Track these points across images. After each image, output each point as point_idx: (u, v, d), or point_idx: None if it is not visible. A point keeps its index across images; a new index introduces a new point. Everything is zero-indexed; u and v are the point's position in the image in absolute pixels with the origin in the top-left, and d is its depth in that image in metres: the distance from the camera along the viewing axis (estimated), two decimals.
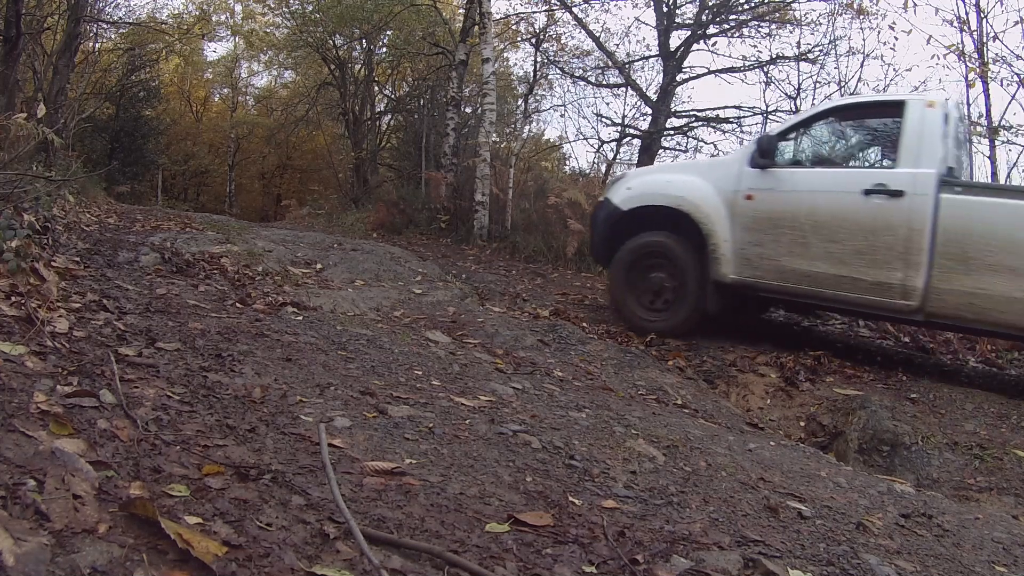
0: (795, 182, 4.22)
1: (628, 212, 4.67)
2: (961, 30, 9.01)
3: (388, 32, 15.52)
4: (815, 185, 4.16)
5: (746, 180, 4.32)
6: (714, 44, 11.70)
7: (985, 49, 8.80)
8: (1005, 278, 3.62)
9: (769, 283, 4.28)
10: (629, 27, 21.67)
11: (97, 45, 15.03)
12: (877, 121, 4.43)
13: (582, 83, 13.66)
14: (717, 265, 4.34)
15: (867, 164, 4.44)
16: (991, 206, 3.73)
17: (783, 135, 4.46)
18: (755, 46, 12.30)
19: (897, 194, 3.86)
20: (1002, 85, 8.79)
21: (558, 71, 13.82)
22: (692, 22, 11.69)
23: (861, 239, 3.95)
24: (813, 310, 4.79)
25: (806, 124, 4.54)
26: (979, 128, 8.76)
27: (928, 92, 4.58)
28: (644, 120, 12.77)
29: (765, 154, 4.26)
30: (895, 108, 4.14)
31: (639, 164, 12.23)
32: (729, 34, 11.65)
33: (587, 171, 12.35)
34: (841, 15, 11.16)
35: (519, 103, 15.69)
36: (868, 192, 3.94)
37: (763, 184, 4.26)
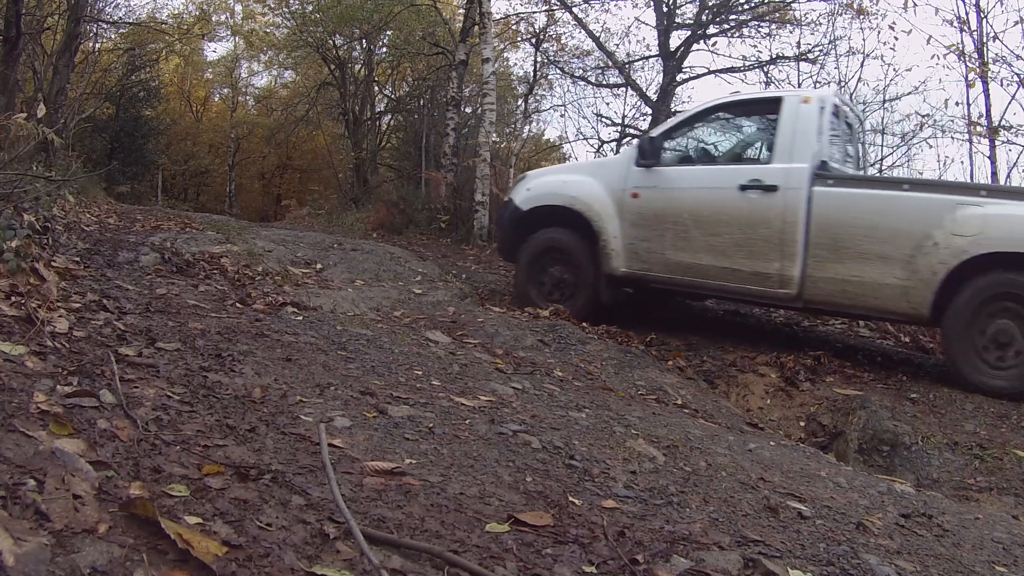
0: (677, 180, 4.43)
1: (528, 211, 4.94)
2: (961, 30, 9.01)
3: (388, 32, 15.53)
4: (695, 182, 4.37)
5: (632, 179, 4.53)
6: (714, 44, 11.72)
7: (985, 49, 8.80)
8: (875, 265, 3.83)
9: (657, 275, 4.52)
10: (629, 27, 21.68)
11: (97, 45, 15.04)
12: (757, 118, 4.60)
13: (582, 83, 13.69)
14: (608, 259, 4.60)
15: (745, 160, 4.61)
16: (860, 197, 3.93)
17: (666, 135, 4.65)
18: (755, 46, 12.31)
19: (771, 189, 4.06)
20: (1002, 85, 8.79)
21: (558, 71, 13.85)
22: (692, 22, 11.70)
23: (739, 232, 4.15)
24: (705, 298, 5.08)
25: (688, 123, 4.71)
26: (979, 128, 8.76)
27: (808, 89, 4.92)
28: (644, 120, 12.79)
29: (648, 154, 4.47)
30: (773, 104, 4.32)
31: None
32: (729, 34, 11.66)
33: None
34: (841, 15, 11.16)
35: (519, 103, 15.71)
36: (744, 187, 4.12)
37: (647, 183, 4.47)
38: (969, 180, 6.11)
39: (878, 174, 4.74)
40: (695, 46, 11.69)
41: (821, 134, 4.10)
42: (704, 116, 4.73)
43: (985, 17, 8.86)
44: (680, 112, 5.06)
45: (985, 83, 8.70)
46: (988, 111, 8.82)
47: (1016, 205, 3.68)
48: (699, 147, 4.80)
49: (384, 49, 16.61)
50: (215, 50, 33.79)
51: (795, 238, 3.99)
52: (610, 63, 12.72)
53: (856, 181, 4.21)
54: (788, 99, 4.25)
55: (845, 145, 4.53)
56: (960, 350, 3.76)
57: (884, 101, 11.44)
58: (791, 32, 11.96)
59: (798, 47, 11.37)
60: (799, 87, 11.74)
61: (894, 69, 17.75)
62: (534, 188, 5.05)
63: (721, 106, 4.72)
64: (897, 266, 3.79)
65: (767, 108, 4.43)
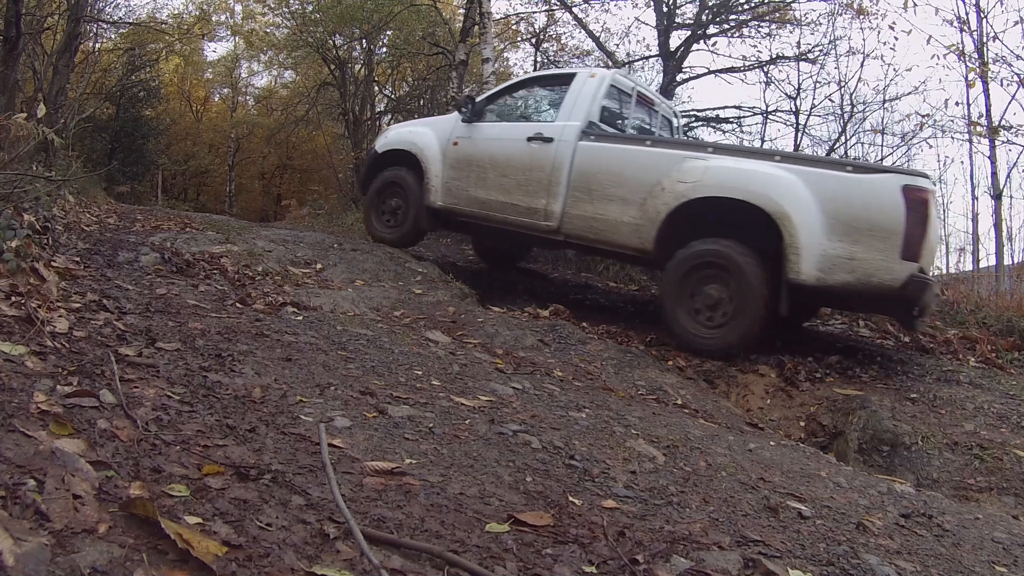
0: (486, 132, 5.36)
1: (381, 153, 5.96)
2: (961, 30, 9.03)
3: (388, 32, 15.52)
4: (497, 134, 5.29)
5: (456, 131, 5.48)
6: (714, 44, 11.72)
7: (985, 49, 8.81)
8: (616, 205, 4.54)
9: (463, 208, 5.38)
10: (629, 27, 21.73)
11: (97, 45, 15.05)
12: (557, 88, 5.34)
13: None
14: (428, 194, 5.55)
15: (538, 120, 5.40)
16: (612, 150, 4.68)
17: (488, 99, 5.60)
18: (755, 46, 12.33)
19: (548, 140, 4.92)
20: (1002, 85, 8.81)
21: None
22: (692, 22, 11.70)
23: (521, 174, 5.01)
24: (494, 232, 5.65)
25: (506, 91, 5.69)
26: (979, 128, 8.77)
27: (596, 68, 5.96)
28: None
29: (470, 112, 5.43)
30: (568, 78, 5.24)
31: None
32: (729, 34, 11.67)
33: None
34: (841, 15, 11.18)
35: None
36: (530, 139, 5.02)
37: (466, 134, 5.42)
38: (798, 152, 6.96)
39: (632, 133, 5.30)
40: (695, 46, 11.70)
41: (595, 102, 4.95)
42: (519, 86, 5.73)
43: (985, 17, 8.88)
44: (506, 83, 6.07)
45: (985, 83, 8.71)
46: (988, 111, 8.84)
47: (733, 160, 4.29)
48: (510, 109, 5.65)
49: (384, 49, 16.61)
50: (215, 50, 33.83)
51: (560, 180, 4.81)
52: (610, 63, 12.72)
53: (612, 137, 4.88)
54: (580, 74, 5.21)
55: (634, 113, 5.45)
56: (671, 290, 4.37)
57: (884, 101, 11.46)
58: (791, 32, 12.00)
59: (798, 47, 11.39)
60: (799, 87, 11.76)
61: (894, 69, 17.82)
62: (389, 135, 6.11)
63: (533, 79, 5.85)
64: (633, 207, 4.46)
65: (565, 81, 5.26)
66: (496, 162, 5.16)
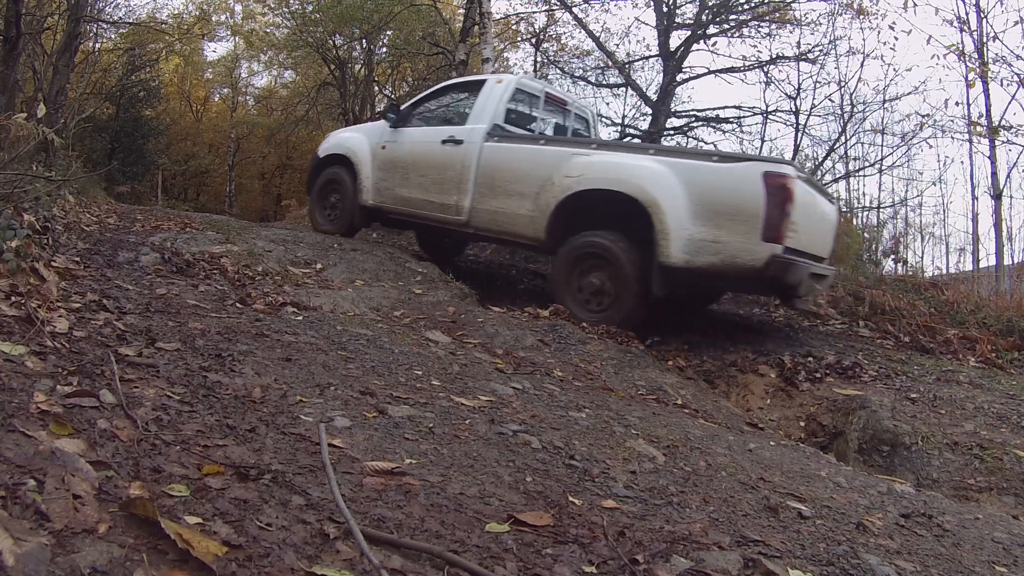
0: (408, 136, 5.84)
1: (323, 158, 6.52)
2: (961, 30, 9.03)
3: (388, 32, 15.52)
4: (417, 138, 5.76)
5: (385, 136, 5.98)
6: (714, 44, 11.71)
7: (985, 49, 8.82)
8: (514, 200, 4.96)
9: (390, 206, 5.87)
10: (629, 27, 21.69)
11: (97, 45, 15.05)
12: (470, 94, 5.75)
13: (582, 83, 13.66)
14: (361, 193, 6.04)
15: (452, 123, 5.75)
16: (512, 150, 5.11)
17: (412, 105, 6.08)
18: (755, 46, 12.31)
19: (459, 143, 5.36)
20: (1002, 85, 8.81)
21: (558, 71, 13.83)
22: (692, 22, 11.70)
23: (437, 174, 5.45)
24: (416, 226, 6.32)
25: (428, 98, 6.13)
26: (979, 128, 8.77)
27: (503, 75, 6.24)
28: (644, 120, 12.77)
29: (397, 118, 5.97)
30: (479, 84, 5.69)
31: None
32: (729, 34, 11.66)
33: None
34: (841, 15, 11.18)
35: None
36: (444, 142, 5.47)
37: (392, 138, 5.91)
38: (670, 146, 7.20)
39: (531, 133, 5.62)
40: (695, 46, 11.68)
41: (500, 105, 5.39)
42: (438, 93, 6.13)
43: (985, 17, 8.88)
44: (428, 89, 6.55)
45: (985, 83, 8.71)
46: (988, 111, 8.84)
47: (613, 155, 4.70)
48: (430, 114, 6.04)
49: (384, 49, 16.61)
50: (215, 50, 33.80)
51: (468, 178, 5.24)
52: (610, 63, 12.72)
53: (511, 138, 5.28)
54: (488, 80, 5.67)
55: (543, 114, 5.92)
56: (561, 275, 4.76)
57: (884, 101, 11.46)
58: (791, 32, 11.98)
59: (798, 47, 11.38)
60: (799, 87, 11.76)
61: (894, 69, 17.82)
62: (330, 141, 6.67)
63: (450, 86, 6.23)
64: (529, 200, 4.86)
65: (476, 87, 5.69)
66: (416, 163, 5.65)
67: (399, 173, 5.76)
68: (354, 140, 6.27)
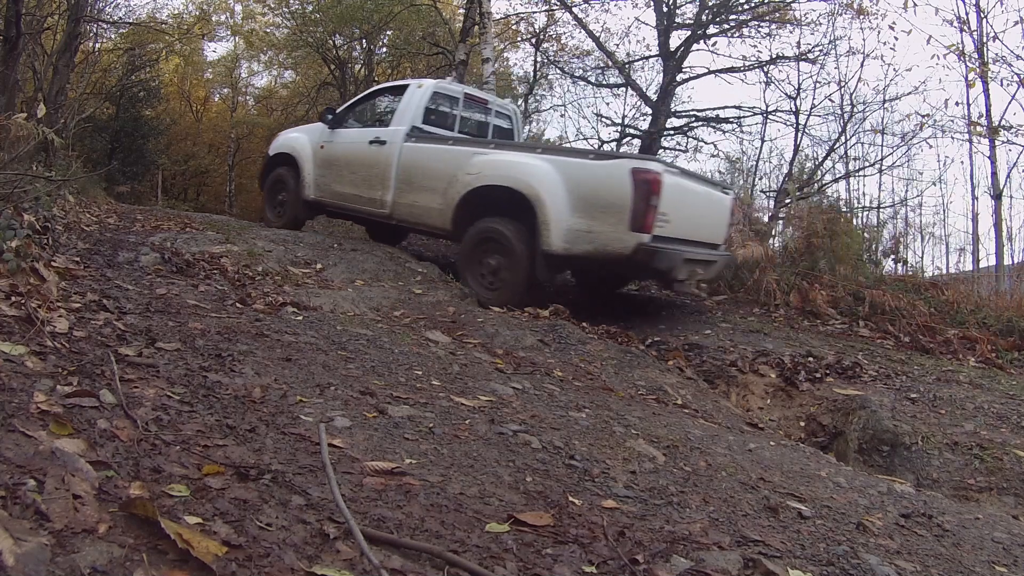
0: (342, 137, 6.36)
1: (272, 156, 7.09)
2: (961, 30, 9.04)
3: (388, 32, 15.51)
4: (349, 139, 6.27)
5: (323, 136, 6.49)
6: (714, 44, 11.70)
7: (985, 49, 8.82)
8: (427, 194, 5.45)
9: (328, 200, 6.40)
10: (629, 27, 21.67)
11: (97, 45, 15.04)
12: (395, 97, 6.28)
13: (582, 83, 13.67)
14: (303, 189, 6.53)
15: (379, 124, 6.34)
16: (422, 150, 5.64)
17: (347, 108, 6.64)
18: (755, 46, 12.30)
19: (383, 143, 5.86)
20: (1002, 85, 8.81)
21: (558, 71, 13.84)
22: (692, 22, 11.69)
23: (365, 171, 5.97)
24: (351, 218, 6.89)
25: (360, 101, 6.75)
26: (979, 128, 8.77)
27: (424, 79, 6.84)
28: (644, 120, 12.77)
29: (334, 120, 6.48)
30: (402, 88, 6.20)
31: None
32: (729, 34, 11.65)
33: None
34: (841, 15, 11.17)
35: (519, 103, 15.70)
36: (371, 142, 5.98)
37: (329, 139, 6.43)
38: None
39: (443, 134, 6.10)
40: (695, 46, 11.68)
41: (419, 108, 5.91)
42: (369, 97, 6.81)
43: (985, 17, 8.88)
44: (360, 94, 7.24)
45: (985, 83, 8.71)
46: (988, 111, 8.84)
47: (506, 154, 5.15)
48: (362, 116, 6.67)
49: (384, 49, 16.61)
50: (215, 50, 33.73)
51: (390, 175, 5.77)
52: (610, 63, 12.72)
53: (425, 138, 5.79)
54: (411, 85, 6.14)
55: (464, 114, 6.46)
56: (465, 262, 5.22)
57: (884, 101, 11.46)
58: (791, 32, 11.98)
59: (798, 47, 11.37)
60: (799, 87, 11.76)
61: (894, 69, 17.80)
62: (278, 140, 7.24)
63: (379, 90, 6.83)
64: (438, 195, 5.33)
65: (400, 91, 6.20)
66: (349, 161, 6.18)
67: (335, 170, 6.30)
68: (298, 140, 6.81)
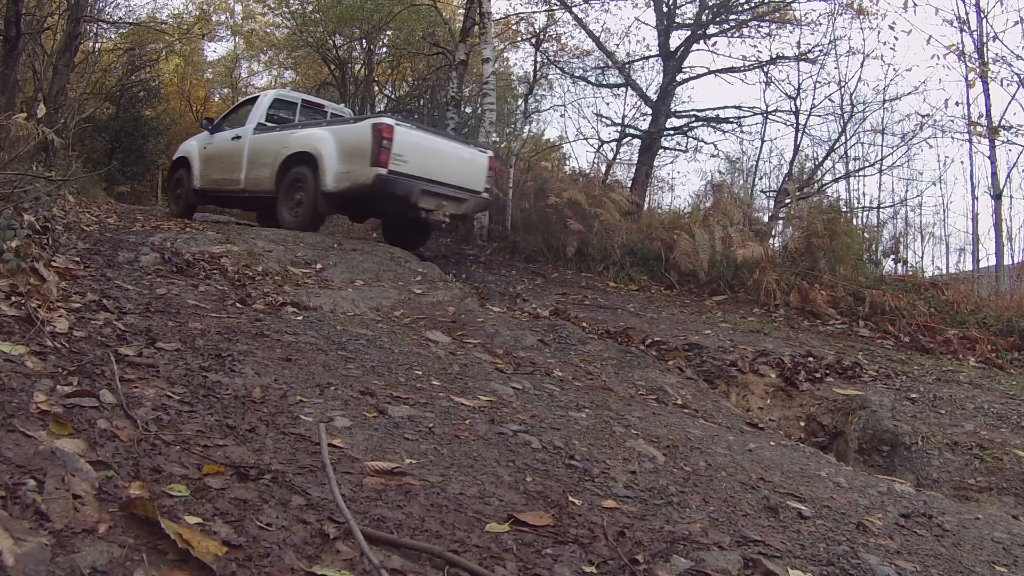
0: (216, 138, 8.25)
1: (175, 160, 9.06)
2: (961, 30, 9.04)
3: (388, 32, 15.51)
4: (220, 139, 8.17)
5: (205, 140, 8.43)
6: (714, 44, 11.71)
7: (985, 49, 8.82)
8: (263, 168, 7.18)
9: (209, 188, 8.17)
10: (629, 27, 21.67)
11: (97, 45, 15.04)
12: (251, 106, 8.22)
13: (582, 83, 13.67)
14: (192, 180, 8.35)
15: (238, 126, 8.11)
16: (263, 138, 7.45)
17: (223, 117, 8.66)
18: (755, 46, 12.31)
19: (239, 138, 7.76)
20: (1002, 85, 8.81)
21: (558, 71, 13.83)
22: (692, 22, 11.70)
23: (229, 160, 7.78)
24: (225, 201, 8.68)
25: (231, 112, 8.77)
26: (979, 128, 8.77)
27: (275, 87, 9.11)
28: (644, 120, 12.77)
29: (212, 127, 8.45)
30: (256, 99, 8.29)
31: (639, 164, 12.25)
32: (729, 34, 11.66)
33: (587, 171, 12.34)
34: (841, 15, 11.18)
35: (519, 103, 15.70)
36: (233, 139, 7.86)
37: (208, 141, 8.34)
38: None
39: (275, 124, 7.92)
40: (695, 46, 11.68)
41: (264, 110, 7.92)
42: (236, 108, 8.80)
43: (985, 17, 8.88)
44: (232, 105, 9.29)
45: (985, 83, 8.71)
46: (988, 111, 8.84)
47: (306, 130, 6.94)
48: (231, 122, 8.43)
49: (384, 49, 16.61)
50: (215, 50, 33.73)
51: (242, 160, 7.57)
52: (610, 63, 12.72)
53: (263, 129, 7.67)
54: (260, 96, 8.32)
55: (300, 115, 8.27)
56: (282, 203, 6.94)
57: (884, 101, 11.46)
58: (791, 32, 11.99)
59: (798, 47, 11.38)
60: (799, 87, 11.74)
61: (894, 69, 17.82)
62: (181, 147, 9.11)
63: (242, 103, 8.83)
64: (268, 167, 7.09)
65: (254, 100, 8.29)
66: (220, 155, 8.01)
67: (211, 164, 8.16)
68: (190, 145, 8.81)
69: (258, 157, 7.35)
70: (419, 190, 6.28)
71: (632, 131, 12.89)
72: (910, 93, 14.71)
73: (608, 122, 13.22)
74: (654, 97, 12.05)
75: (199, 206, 9.03)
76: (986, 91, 8.80)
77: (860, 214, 11.27)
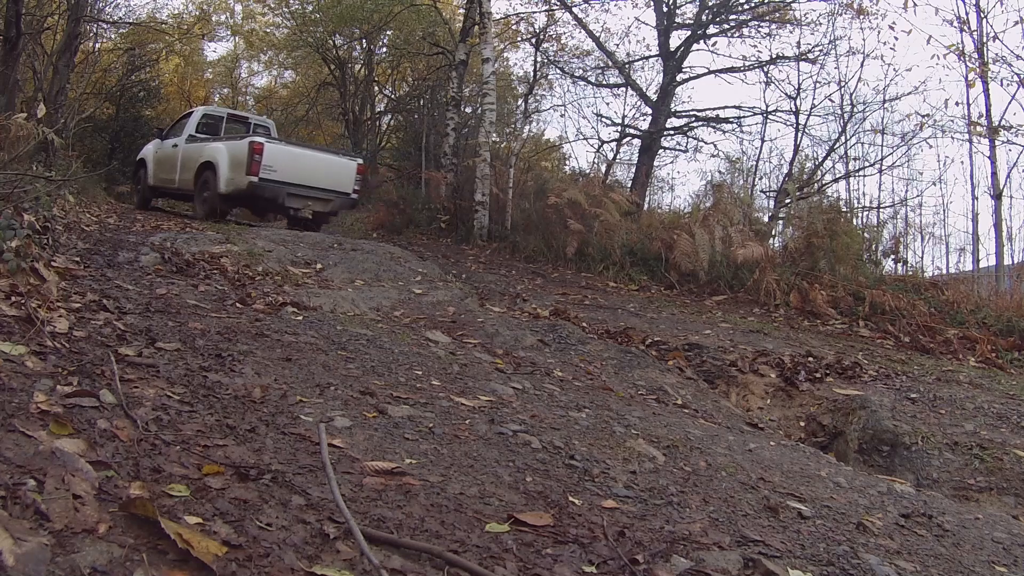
0: (164, 145, 9.91)
1: (138, 160, 10.77)
2: (961, 30, 9.03)
3: (388, 32, 15.51)
4: (166, 146, 9.84)
5: (158, 145, 10.13)
6: (714, 44, 11.72)
7: (985, 49, 8.82)
8: (188, 172, 8.89)
9: (159, 185, 9.96)
10: (629, 27, 21.71)
11: (97, 45, 15.05)
12: (188, 119, 9.91)
13: (582, 83, 13.68)
14: (147, 178, 10.12)
15: (178, 135, 9.78)
16: (189, 147, 9.15)
17: (171, 128, 10.32)
18: (755, 46, 12.32)
19: (176, 146, 9.48)
20: (1002, 85, 8.81)
21: (558, 71, 13.84)
22: (692, 22, 11.70)
23: (170, 163, 9.53)
24: (170, 197, 10.90)
25: (176, 124, 10.30)
26: (979, 128, 8.77)
27: (201, 107, 11.86)
28: (644, 120, 12.78)
29: (163, 135, 10.16)
30: (191, 113, 10.12)
31: (639, 164, 12.25)
32: (729, 34, 11.67)
33: (587, 171, 12.34)
34: (841, 15, 11.18)
35: (519, 103, 15.70)
36: (173, 146, 9.59)
37: (159, 147, 10.08)
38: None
39: (200, 136, 9.49)
40: (695, 46, 11.69)
41: (195, 123, 9.67)
42: (179, 120, 10.36)
43: (985, 17, 8.88)
44: (178, 117, 11.07)
45: (985, 83, 8.71)
46: (988, 111, 8.83)
47: (211, 144, 8.73)
48: (175, 132, 9.97)
49: (384, 49, 16.61)
50: (215, 50, 33.76)
51: (177, 163, 9.31)
52: (610, 63, 12.72)
53: (191, 140, 9.35)
54: (195, 111, 10.26)
55: (228, 126, 10.06)
56: (196, 198, 8.82)
57: (884, 101, 11.47)
58: (791, 32, 12.00)
59: (798, 47, 11.38)
60: (799, 87, 11.74)
61: (894, 69, 17.83)
62: (142, 150, 10.83)
63: (183, 116, 10.38)
64: (190, 172, 8.81)
65: (190, 115, 10.01)
66: (165, 159, 9.76)
67: (160, 165, 9.90)
68: (148, 149, 10.52)
69: (186, 163, 9.19)
70: (285, 193, 8.11)
71: (632, 131, 12.89)
72: (910, 93, 14.75)
73: (608, 122, 13.23)
74: (654, 97, 12.05)
75: (152, 199, 11.05)
76: (986, 91, 8.80)
77: (860, 214, 11.27)
